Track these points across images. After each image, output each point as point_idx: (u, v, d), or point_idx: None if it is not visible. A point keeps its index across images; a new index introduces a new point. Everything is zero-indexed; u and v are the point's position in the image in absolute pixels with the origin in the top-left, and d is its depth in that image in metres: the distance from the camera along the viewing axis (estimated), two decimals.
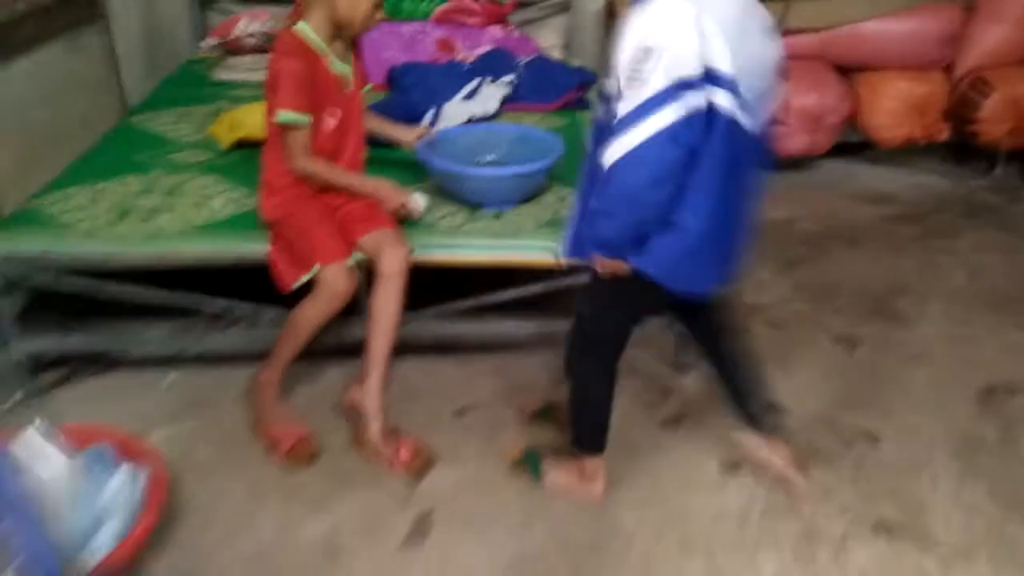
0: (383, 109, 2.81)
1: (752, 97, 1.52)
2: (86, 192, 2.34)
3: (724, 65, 1.44)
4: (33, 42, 2.54)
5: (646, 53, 1.43)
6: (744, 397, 1.96)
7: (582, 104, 3.22)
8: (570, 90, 3.20)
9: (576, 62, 3.79)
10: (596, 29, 3.99)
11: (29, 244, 2.07)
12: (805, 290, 2.85)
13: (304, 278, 1.94)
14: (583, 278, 1.81)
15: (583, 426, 1.90)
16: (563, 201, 2.40)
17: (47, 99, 2.63)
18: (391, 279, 1.98)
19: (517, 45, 3.52)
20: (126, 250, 2.08)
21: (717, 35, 1.43)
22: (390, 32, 3.46)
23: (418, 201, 2.10)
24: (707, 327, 1.95)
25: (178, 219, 2.20)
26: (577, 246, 1.74)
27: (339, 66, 2.01)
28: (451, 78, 3.13)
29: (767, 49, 1.59)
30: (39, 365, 2.22)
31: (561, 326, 2.26)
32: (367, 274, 2.04)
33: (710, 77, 1.45)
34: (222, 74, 3.41)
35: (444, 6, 3.53)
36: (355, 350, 2.05)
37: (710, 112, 1.47)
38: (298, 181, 2.03)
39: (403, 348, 2.13)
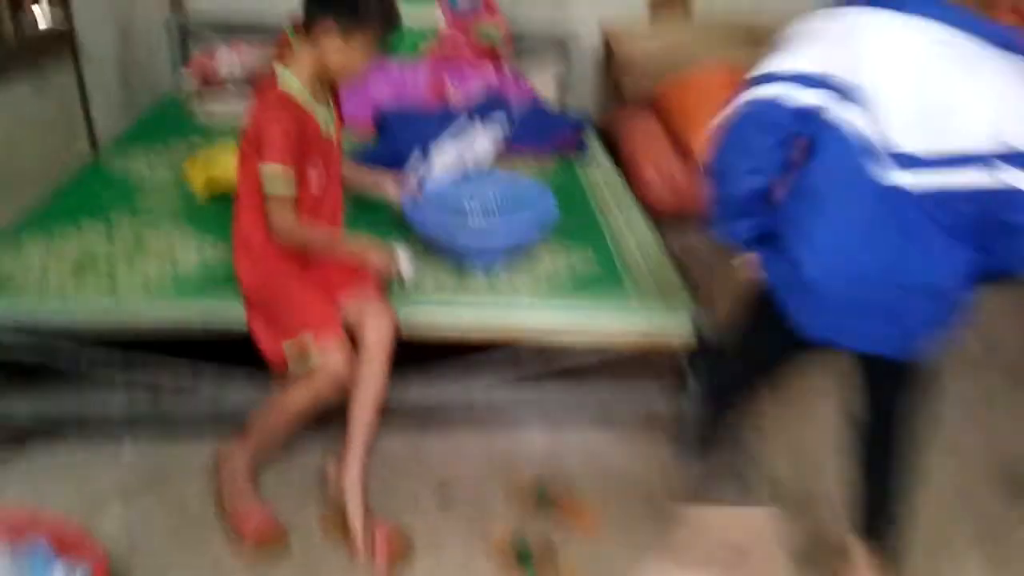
0: (368, 155, 2.66)
1: (925, 146, 1.33)
2: (41, 243, 2.15)
3: (869, 85, 1.34)
4: None
5: (797, 32, 1.43)
6: (876, 500, 1.66)
7: (579, 149, 3.07)
8: (565, 135, 3.06)
9: (572, 102, 3.67)
10: (592, 67, 3.87)
11: None
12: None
13: (291, 344, 1.75)
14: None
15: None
16: (557, 258, 2.24)
17: (6, 141, 2.46)
18: (375, 351, 1.80)
19: (511, 86, 3.38)
20: (78, 312, 1.89)
21: (881, 56, 1.34)
22: (378, 69, 3.32)
23: (407, 266, 1.93)
24: (873, 397, 1.62)
25: (139, 276, 2.02)
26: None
27: (321, 113, 1.84)
28: (443, 127, 2.98)
29: (980, 98, 1.31)
30: None
31: (557, 395, 2.12)
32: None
33: (842, 89, 1.35)
34: (200, 109, 3.25)
35: (436, 44, 3.39)
36: (336, 416, 1.86)
37: (828, 127, 1.38)
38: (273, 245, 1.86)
39: (384, 416, 1.94)
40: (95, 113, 3.01)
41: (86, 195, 2.46)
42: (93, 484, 1.95)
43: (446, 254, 2.16)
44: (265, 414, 1.81)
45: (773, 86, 1.40)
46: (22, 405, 1.99)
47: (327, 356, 1.73)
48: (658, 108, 3.49)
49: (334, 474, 1.87)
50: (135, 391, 2.07)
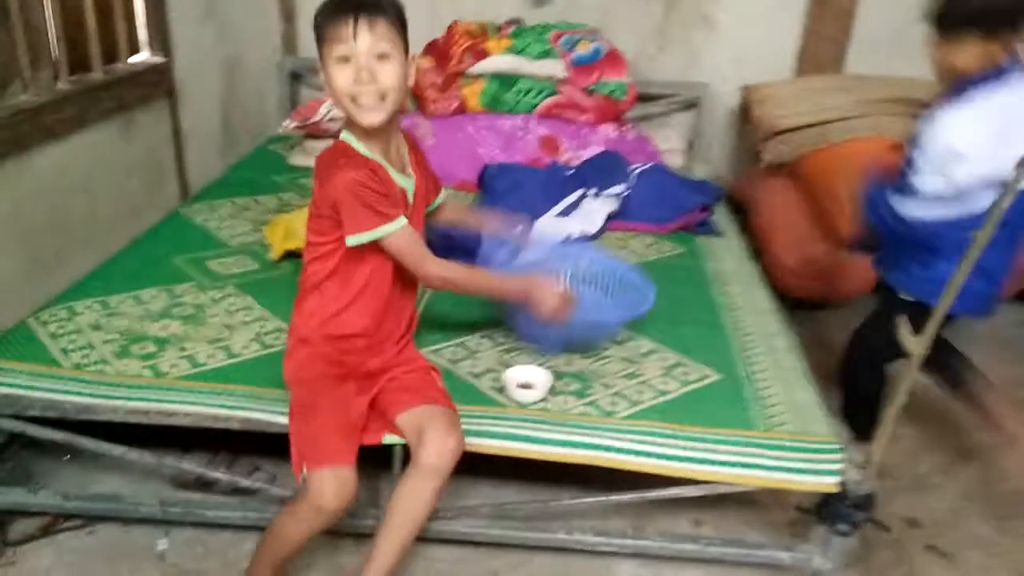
0: None
1: None
2: (96, 309, 1.95)
3: None
4: (77, 124, 2.22)
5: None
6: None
7: (704, 228, 2.67)
8: (691, 209, 2.66)
9: (700, 169, 3.27)
10: (726, 130, 3.47)
11: None
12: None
13: (302, 476, 1.45)
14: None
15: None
16: (665, 368, 1.84)
17: (84, 187, 2.30)
18: (428, 475, 1.47)
19: (632, 148, 3.03)
20: (111, 401, 1.64)
21: None
22: (488, 126, 3.04)
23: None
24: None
25: (185, 362, 1.77)
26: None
27: (399, 178, 1.55)
28: (551, 186, 2.67)
29: None
30: (5, 516, 1.81)
31: (654, 525, 1.73)
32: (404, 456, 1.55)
33: None
34: (298, 159, 3.06)
35: (551, 100, 3.07)
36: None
37: None
38: (331, 336, 1.57)
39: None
40: (189, 157, 2.85)
41: (159, 251, 2.27)
42: None
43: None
44: (263, 540, 1.53)
45: None
46: (45, 496, 1.77)
47: (317, 488, 1.41)
48: (799, 177, 3.05)
49: None
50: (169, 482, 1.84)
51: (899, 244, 1.95)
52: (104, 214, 2.39)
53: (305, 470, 1.43)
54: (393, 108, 1.47)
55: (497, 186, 2.68)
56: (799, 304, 2.94)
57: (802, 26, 3.28)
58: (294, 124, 3.15)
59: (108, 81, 2.37)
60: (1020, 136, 1.62)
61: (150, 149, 2.64)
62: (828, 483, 1.58)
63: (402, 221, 1.49)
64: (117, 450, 1.72)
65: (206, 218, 2.53)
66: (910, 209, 1.84)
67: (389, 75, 1.43)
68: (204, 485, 1.88)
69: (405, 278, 1.62)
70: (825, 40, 3.27)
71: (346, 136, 1.52)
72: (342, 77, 1.42)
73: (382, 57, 1.42)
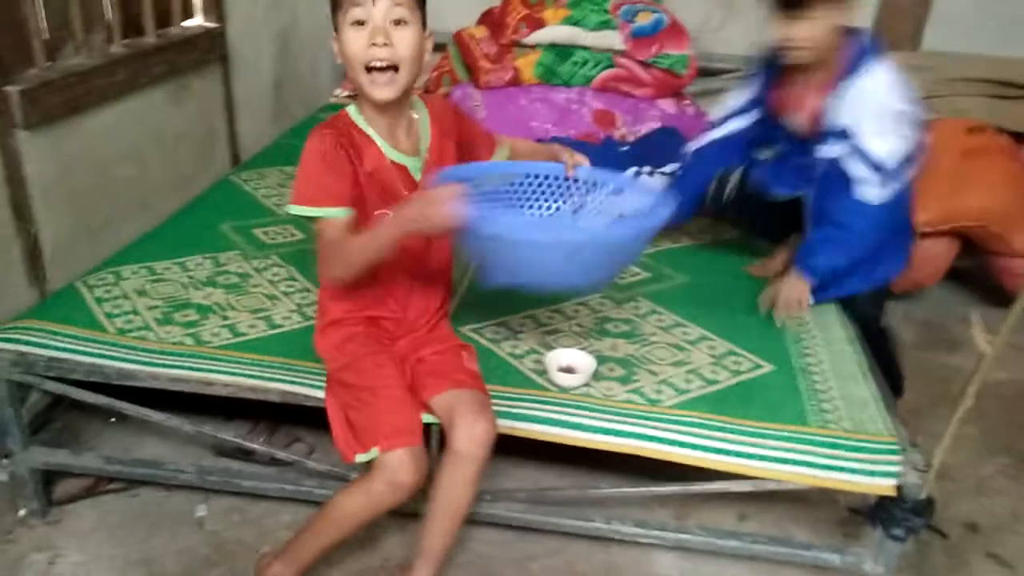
0: None
1: None
2: (142, 275, 1.96)
3: None
4: (128, 88, 2.22)
5: None
6: None
7: None
8: None
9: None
10: None
11: (41, 344, 1.66)
12: None
13: (364, 457, 1.41)
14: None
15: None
16: (715, 356, 1.77)
17: (134, 154, 2.30)
18: (461, 463, 1.43)
19: (691, 124, 2.91)
20: (146, 367, 1.63)
21: None
22: (541, 98, 2.96)
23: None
24: None
25: (226, 332, 1.76)
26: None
27: (397, 156, 1.48)
28: (604, 162, 2.56)
29: None
30: (52, 475, 1.84)
31: (697, 517, 1.67)
32: (439, 439, 1.51)
33: None
34: None
35: (608, 72, 2.98)
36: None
37: None
38: (355, 309, 1.53)
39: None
40: (240, 124, 2.84)
41: (206, 219, 2.27)
42: (160, 546, 1.72)
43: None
44: (314, 524, 1.49)
45: None
46: (89, 458, 1.78)
47: (394, 466, 1.37)
48: None
49: None
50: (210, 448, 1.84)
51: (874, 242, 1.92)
52: (153, 180, 2.39)
53: (377, 451, 1.38)
54: (406, 83, 1.41)
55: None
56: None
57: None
58: (346, 93, 3.13)
59: (161, 46, 2.36)
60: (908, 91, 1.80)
61: (201, 116, 2.63)
62: (885, 485, 1.49)
63: (338, 214, 1.39)
64: (157, 416, 1.72)
65: (255, 185, 2.53)
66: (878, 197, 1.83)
67: (405, 42, 1.36)
68: (244, 453, 1.88)
69: (436, 255, 1.57)
70: (903, 14, 3.10)
71: (350, 109, 1.47)
72: (357, 41, 1.36)
73: (399, 23, 1.36)
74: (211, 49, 2.62)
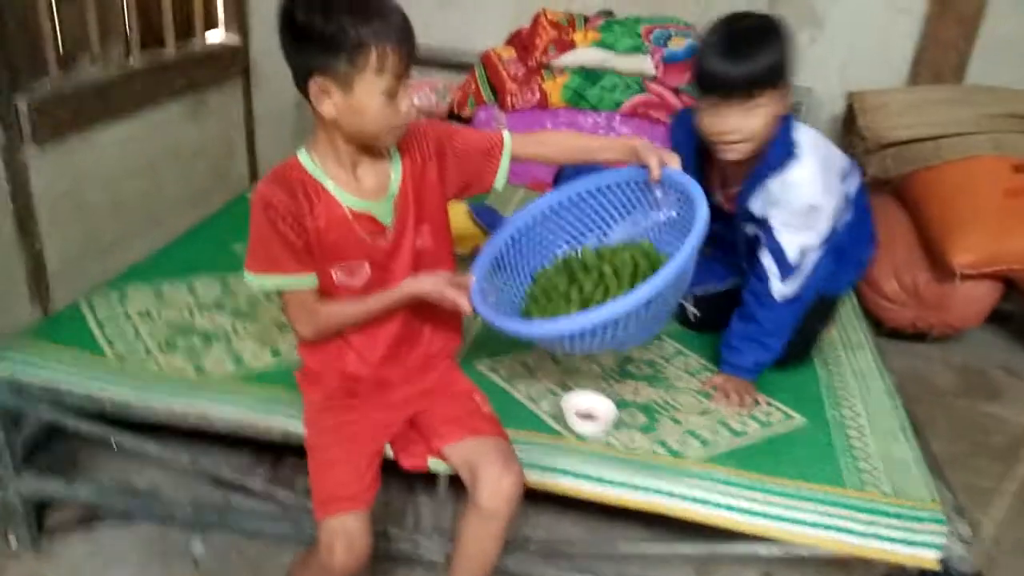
0: None
1: None
2: (146, 296, 1.89)
3: None
4: (145, 102, 2.16)
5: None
6: None
7: None
8: None
9: None
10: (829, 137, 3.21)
11: (35, 370, 1.59)
12: None
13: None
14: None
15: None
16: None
17: (149, 169, 2.24)
18: (487, 518, 1.32)
19: None
20: (141, 398, 1.55)
21: None
22: (568, 122, 2.87)
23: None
24: None
25: (228, 363, 1.68)
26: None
27: (356, 203, 1.34)
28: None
29: None
30: (44, 505, 1.76)
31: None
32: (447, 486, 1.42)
33: None
34: None
35: (638, 98, 2.88)
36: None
37: None
38: (337, 373, 1.45)
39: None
40: (261, 140, 2.78)
41: (217, 237, 2.20)
42: None
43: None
44: None
45: None
46: (81, 488, 1.70)
47: (328, 541, 1.27)
48: (907, 197, 2.80)
49: None
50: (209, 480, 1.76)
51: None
52: (168, 196, 2.33)
53: (319, 519, 1.29)
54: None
55: None
56: (895, 334, 2.70)
57: (920, 30, 2.99)
58: None
59: (181, 59, 2.31)
60: (833, 156, 1.74)
61: (221, 131, 2.58)
62: (927, 557, 1.37)
63: (302, 283, 1.33)
64: (154, 448, 1.64)
65: None
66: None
67: (412, 99, 1.29)
68: (243, 487, 1.80)
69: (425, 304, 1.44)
70: (945, 46, 2.97)
71: (301, 155, 1.35)
72: (388, 109, 1.24)
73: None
74: (232, 64, 2.57)
